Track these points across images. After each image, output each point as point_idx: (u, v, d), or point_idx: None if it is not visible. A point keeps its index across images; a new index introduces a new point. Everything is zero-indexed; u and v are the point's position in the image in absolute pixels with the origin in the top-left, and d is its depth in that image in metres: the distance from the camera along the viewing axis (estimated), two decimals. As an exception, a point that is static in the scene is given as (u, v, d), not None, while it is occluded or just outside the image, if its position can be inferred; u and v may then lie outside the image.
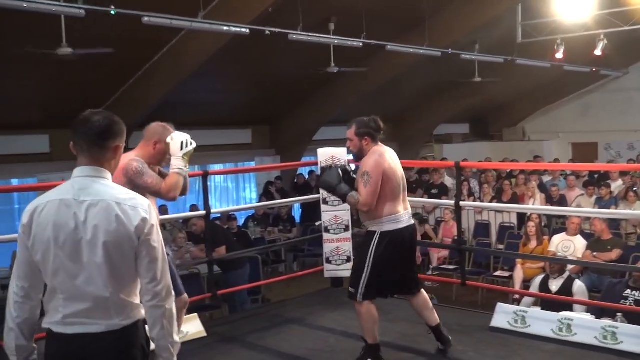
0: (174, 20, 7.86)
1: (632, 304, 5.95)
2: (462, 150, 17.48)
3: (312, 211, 10.62)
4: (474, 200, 11.86)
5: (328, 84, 13.24)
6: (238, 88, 12.61)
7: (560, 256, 7.98)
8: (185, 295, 3.96)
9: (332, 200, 5.88)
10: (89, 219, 2.34)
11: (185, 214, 9.54)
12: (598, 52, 12.55)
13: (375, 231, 4.26)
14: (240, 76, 12.04)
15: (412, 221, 4.43)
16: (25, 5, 6.61)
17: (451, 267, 9.96)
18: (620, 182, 11.85)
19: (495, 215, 11.09)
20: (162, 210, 9.14)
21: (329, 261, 6.13)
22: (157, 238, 2.45)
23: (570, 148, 19.33)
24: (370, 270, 4.23)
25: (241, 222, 11.96)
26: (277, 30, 8.91)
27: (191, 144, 3.71)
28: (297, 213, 13.74)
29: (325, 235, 6.12)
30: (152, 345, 2.52)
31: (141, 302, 2.46)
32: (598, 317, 5.24)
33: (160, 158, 3.75)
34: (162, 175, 3.75)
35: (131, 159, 3.58)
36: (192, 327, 5.10)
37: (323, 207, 6.10)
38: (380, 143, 4.34)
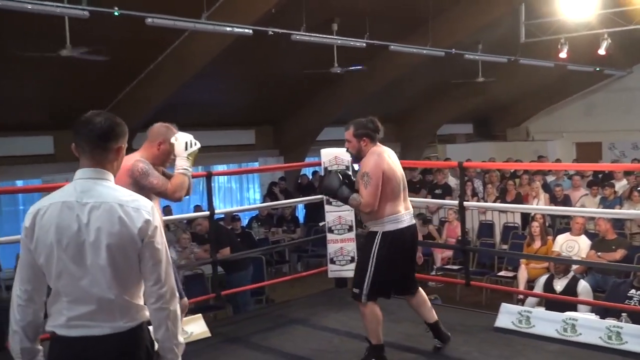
0: (177, 22, 7.87)
1: (637, 304, 5.93)
2: (465, 151, 17.47)
3: (315, 211, 10.63)
4: (478, 201, 11.85)
5: (331, 85, 13.25)
6: (241, 89, 12.62)
7: (564, 256, 7.96)
8: (185, 299, 3.96)
9: (336, 200, 5.88)
10: (92, 221, 2.33)
11: (189, 214, 9.55)
12: (602, 51, 12.52)
13: (377, 231, 4.27)
14: (243, 77, 12.05)
15: (414, 221, 4.44)
16: (29, 6, 6.64)
17: (455, 267, 9.94)
18: (624, 181, 11.83)
19: (499, 215, 11.08)
20: (166, 210, 9.14)
21: (332, 261, 6.13)
22: (161, 240, 2.44)
23: (574, 148, 19.29)
24: (373, 270, 4.24)
25: (245, 222, 11.97)
26: (280, 30, 8.92)
27: (195, 144, 3.71)
28: (300, 213, 13.74)
29: (329, 236, 6.12)
30: (156, 346, 2.52)
31: (145, 304, 2.45)
32: (602, 317, 5.24)
33: (164, 159, 3.75)
34: (166, 176, 3.75)
35: (136, 160, 3.58)
36: (196, 327, 5.11)
37: (327, 207, 6.10)
38: (378, 143, 4.34)
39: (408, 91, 15.39)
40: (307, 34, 9.20)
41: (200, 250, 9.09)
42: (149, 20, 7.50)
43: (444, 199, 11.70)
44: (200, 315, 5.36)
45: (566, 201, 11.13)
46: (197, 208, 11.47)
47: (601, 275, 7.77)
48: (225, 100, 12.87)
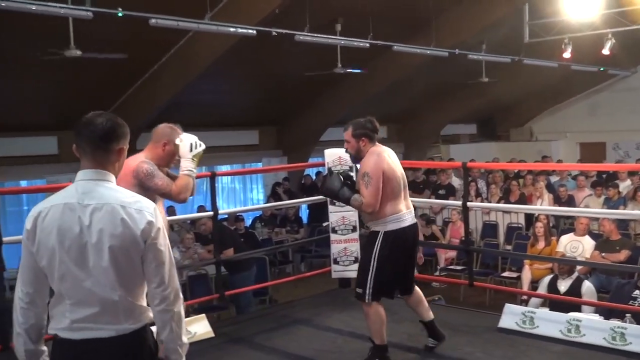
0: (181, 22, 7.88)
1: (641, 305, 5.93)
2: (469, 151, 17.45)
3: (319, 212, 10.62)
4: (482, 201, 11.83)
5: (335, 85, 13.25)
6: (245, 89, 12.63)
7: (568, 257, 7.95)
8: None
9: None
10: (94, 223, 2.31)
11: (192, 214, 9.56)
12: (606, 51, 12.50)
13: (379, 231, 4.27)
14: (247, 77, 12.06)
15: (415, 220, 4.44)
16: (33, 7, 6.65)
17: (459, 267, 9.93)
18: (628, 182, 11.80)
19: (503, 215, 11.06)
20: (170, 211, 9.15)
21: (336, 262, 6.13)
22: (164, 241, 2.42)
23: (578, 148, 19.26)
24: (375, 270, 4.25)
25: (248, 222, 11.98)
26: (284, 31, 8.92)
27: (200, 145, 3.71)
28: (304, 214, 13.74)
29: (333, 236, 6.12)
30: (160, 351, 2.51)
31: (149, 306, 2.44)
32: (606, 317, 5.22)
33: (169, 159, 3.74)
34: (170, 177, 3.75)
35: (141, 161, 3.57)
36: (200, 327, 5.11)
37: (330, 207, 6.10)
38: (377, 143, 4.35)
39: (411, 91, 15.38)
40: (310, 34, 9.20)
41: (203, 251, 9.10)
42: (153, 21, 7.51)
43: (447, 199, 11.69)
44: (203, 315, 5.36)
45: (570, 201, 11.11)
46: (201, 208, 11.49)
47: (605, 276, 7.76)
48: (229, 101, 12.88)
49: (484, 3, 11.81)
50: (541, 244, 8.65)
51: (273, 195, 13.50)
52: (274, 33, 8.81)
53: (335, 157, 6.04)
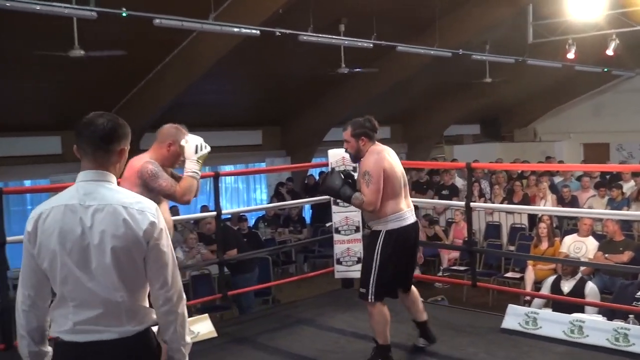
0: (184, 22, 7.88)
1: (644, 306, 5.92)
2: (472, 151, 17.43)
3: (322, 212, 10.64)
4: (485, 202, 11.83)
5: (338, 85, 13.25)
6: (248, 89, 12.64)
7: (571, 257, 7.94)
8: None
9: (341, 201, 5.89)
10: (96, 224, 2.29)
11: (196, 214, 9.57)
12: (610, 52, 12.48)
13: (381, 230, 4.28)
14: (250, 77, 12.07)
15: (415, 218, 4.45)
16: (37, 7, 6.66)
17: (462, 268, 9.92)
18: (632, 183, 11.77)
19: (506, 216, 11.06)
20: (173, 211, 9.15)
21: (339, 262, 6.13)
22: (167, 242, 2.41)
23: (581, 149, 19.23)
24: (378, 269, 4.25)
25: (251, 223, 11.99)
26: (288, 31, 8.92)
27: (205, 147, 3.71)
28: (307, 214, 13.75)
29: (336, 236, 6.12)
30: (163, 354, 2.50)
31: (152, 307, 2.43)
32: (610, 318, 5.22)
33: (173, 160, 3.74)
34: (174, 177, 3.75)
35: (146, 161, 3.57)
36: (203, 327, 5.12)
37: (334, 208, 6.10)
38: (377, 142, 4.35)
39: (415, 92, 15.37)
40: (314, 34, 9.20)
41: (206, 251, 9.11)
42: (157, 21, 7.51)
43: (450, 199, 11.69)
44: (206, 315, 5.37)
45: (574, 202, 11.09)
46: (204, 208, 11.50)
47: (609, 277, 7.75)
48: (233, 101, 12.89)
49: (487, 3, 11.79)
50: (544, 245, 8.64)
51: (276, 196, 13.51)
52: (278, 33, 8.81)
53: (338, 157, 6.03)
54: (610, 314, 5.55)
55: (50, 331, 2.41)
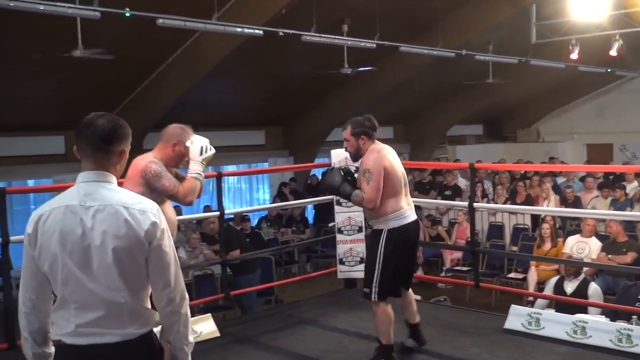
0: (188, 22, 7.89)
1: (648, 307, 5.90)
2: (475, 152, 17.42)
3: (325, 212, 10.63)
4: (488, 202, 11.82)
5: (341, 85, 13.25)
6: (251, 89, 12.65)
7: (575, 258, 7.93)
8: None
9: (346, 201, 5.88)
10: (97, 225, 2.27)
11: (199, 214, 9.58)
12: (613, 52, 12.46)
13: (382, 229, 4.29)
14: (253, 77, 12.07)
15: (416, 216, 4.46)
16: (41, 7, 6.68)
17: (464, 268, 9.92)
18: (635, 183, 11.76)
19: (509, 216, 11.05)
20: (176, 210, 9.15)
21: (342, 262, 6.13)
22: (169, 243, 2.39)
23: (585, 149, 19.21)
24: (381, 268, 4.26)
25: (254, 223, 11.99)
26: (291, 31, 8.92)
27: (210, 149, 3.70)
28: (310, 214, 13.75)
29: (339, 236, 6.12)
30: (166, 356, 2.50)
31: (155, 308, 2.42)
32: (613, 319, 5.21)
33: (178, 160, 3.73)
34: (179, 178, 3.74)
35: (150, 161, 3.56)
36: (206, 327, 5.12)
37: (336, 208, 6.10)
38: (377, 141, 4.36)
39: (418, 92, 15.36)
40: (317, 34, 9.20)
41: (209, 252, 9.11)
42: (160, 21, 7.52)
43: (453, 200, 11.68)
44: (209, 315, 5.37)
45: (577, 203, 11.08)
46: (207, 208, 11.50)
47: (612, 278, 7.74)
48: (236, 101, 12.90)
49: (490, 3, 11.79)
50: (547, 245, 8.63)
51: (279, 196, 13.52)
52: (281, 33, 8.81)
53: (341, 157, 6.03)
54: (613, 315, 5.54)
55: (52, 334, 2.40)
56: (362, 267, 5.62)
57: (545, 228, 8.69)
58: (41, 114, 10.67)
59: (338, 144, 4.70)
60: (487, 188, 12.54)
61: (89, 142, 2.33)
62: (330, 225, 7.21)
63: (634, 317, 5.09)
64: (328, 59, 10.85)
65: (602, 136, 18.54)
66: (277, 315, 5.89)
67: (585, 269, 7.29)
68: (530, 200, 11.22)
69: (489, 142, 19.42)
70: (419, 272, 9.53)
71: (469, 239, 8.10)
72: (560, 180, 12.88)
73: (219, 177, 5.70)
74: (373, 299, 4.28)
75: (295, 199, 12.19)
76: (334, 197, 6.03)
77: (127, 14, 7.31)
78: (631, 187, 11.59)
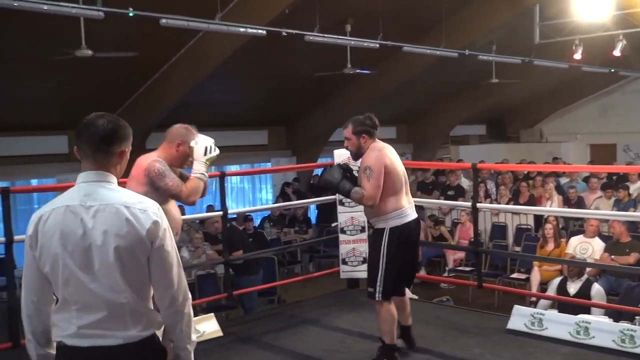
0: (191, 22, 7.90)
1: (651, 307, 5.90)
2: (478, 152, 17.41)
3: (328, 212, 10.64)
4: (491, 202, 11.81)
5: (344, 85, 13.25)
6: (254, 89, 12.66)
7: (578, 258, 7.92)
8: None
9: (349, 201, 5.88)
10: (98, 225, 2.26)
11: (202, 214, 9.59)
12: (617, 52, 12.44)
13: (384, 228, 4.29)
14: (256, 77, 12.08)
15: (416, 214, 4.46)
16: (45, 7, 6.69)
17: (467, 269, 9.92)
18: (639, 184, 11.74)
19: (512, 217, 11.03)
20: (179, 210, 9.17)
21: (345, 262, 6.13)
22: (171, 242, 2.38)
23: (588, 149, 19.19)
24: (384, 267, 4.26)
25: (257, 222, 12.00)
26: (294, 31, 8.92)
27: (215, 150, 3.70)
28: (313, 214, 13.75)
29: (341, 236, 6.13)
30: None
31: (157, 308, 2.41)
32: (616, 320, 5.21)
33: (182, 160, 3.73)
34: (183, 177, 3.75)
35: (153, 160, 3.56)
36: (209, 326, 5.13)
37: (339, 208, 6.11)
38: (377, 140, 4.36)
39: (421, 92, 15.35)
40: (320, 34, 9.20)
41: (212, 252, 9.12)
42: (164, 21, 7.53)
43: (456, 200, 11.67)
44: (212, 314, 5.38)
45: (580, 203, 11.06)
46: (210, 208, 11.52)
47: (615, 278, 7.72)
48: (239, 101, 12.91)
49: (494, 4, 11.78)
50: (550, 246, 8.62)
51: (282, 195, 13.52)
52: (284, 33, 8.81)
53: (344, 157, 6.01)
54: (616, 316, 5.54)
55: (53, 336, 2.39)
56: (364, 267, 5.62)
57: (548, 228, 8.69)
58: (44, 113, 10.69)
59: (341, 144, 4.70)
60: (490, 188, 12.53)
61: (89, 143, 2.32)
62: (333, 225, 7.21)
63: (637, 317, 5.10)
64: (331, 59, 10.85)
65: (605, 136, 18.51)
66: (280, 315, 5.90)
67: (588, 269, 7.29)
68: (533, 201, 11.21)
69: (492, 142, 19.41)
70: (422, 272, 9.53)
71: (472, 239, 8.11)
72: (564, 180, 12.87)
73: (222, 177, 5.71)
74: (377, 299, 4.28)
75: (298, 199, 12.19)
76: (337, 197, 6.04)
77: (131, 14, 7.32)
78: (635, 188, 11.57)
